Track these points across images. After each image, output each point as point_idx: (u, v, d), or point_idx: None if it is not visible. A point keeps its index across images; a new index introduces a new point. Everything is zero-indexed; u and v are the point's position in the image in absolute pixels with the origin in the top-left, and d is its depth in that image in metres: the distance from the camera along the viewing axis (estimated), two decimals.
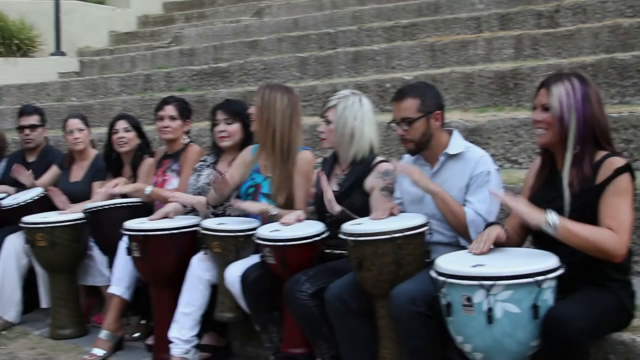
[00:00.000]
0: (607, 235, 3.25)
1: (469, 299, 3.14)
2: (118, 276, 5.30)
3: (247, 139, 5.25)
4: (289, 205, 4.72)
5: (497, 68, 7.14)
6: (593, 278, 3.40)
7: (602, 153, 3.42)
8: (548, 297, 3.16)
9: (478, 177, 3.95)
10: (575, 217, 3.34)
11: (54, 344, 5.63)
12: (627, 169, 3.37)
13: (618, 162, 3.38)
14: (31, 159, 6.75)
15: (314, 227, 4.29)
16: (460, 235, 3.96)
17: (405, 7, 10.81)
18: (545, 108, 3.48)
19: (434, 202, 3.97)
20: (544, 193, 3.56)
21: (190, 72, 10.33)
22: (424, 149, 4.09)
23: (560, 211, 3.35)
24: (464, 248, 3.72)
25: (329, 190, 4.33)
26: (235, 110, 5.29)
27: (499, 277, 3.08)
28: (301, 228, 4.30)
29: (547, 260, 3.21)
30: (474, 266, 3.19)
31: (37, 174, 6.50)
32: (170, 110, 5.63)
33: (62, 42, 13.59)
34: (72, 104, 10.52)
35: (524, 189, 3.76)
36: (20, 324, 6.08)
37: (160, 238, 4.89)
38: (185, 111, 5.69)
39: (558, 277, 3.21)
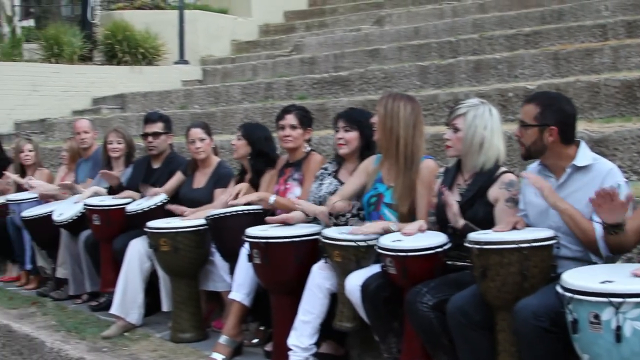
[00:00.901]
0: None
1: (596, 317, 3.05)
2: (239, 282, 5.36)
3: (365, 148, 5.23)
4: (411, 214, 4.69)
5: (624, 77, 6.94)
6: None
7: None
8: None
9: None
10: None
11: (174, 347, 5.73)
12: None
13: None
14: (156, 165, 6.89)
15: (436, 239, 4.24)
16: (590, 252, 3.85)
17: (527, 15, 10.65)
18: None
19: (562, 219, 3.87)
20: None
21: (311, 80, 10.42)
22: (534, 157, 4.06)
23: None
24: (591, 263, 3.62)
25: (455, 204, 4.28)
26: (355, 118, 5.28)
27: (629, 295, 2.98)
28: (423, 239, 4.26)
29: None
30: (603, 282, 3.10)
31: (162, 180, 6.65)
32: (291, 119, 5.66)
33: (185, 51, 13.94)
34: (194, 111, 10.76)
35: None
36: (142, 326, 6.21)
37: (282, 245, 4.92)
38: (305, 120, 5.70)
39: None
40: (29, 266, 7.93)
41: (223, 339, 5.37)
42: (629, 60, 7.89)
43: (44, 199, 7.69)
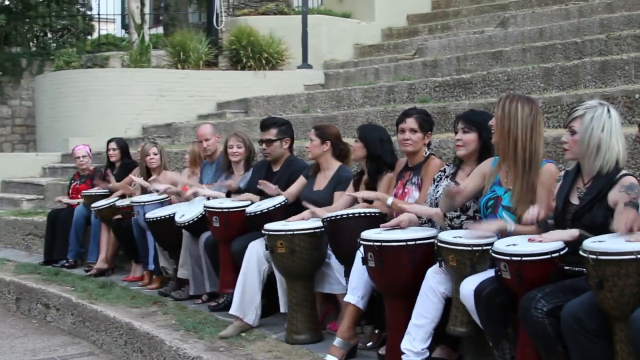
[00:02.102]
0: None
1: None
2: (353, 285, 5.35)
3: (484, 150, 5.14)
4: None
5: None
6: None
7: None
8: None
9: None
10: None
11: (290, 348, 5.76)
12: None
13: None
14: (276, 168, 6.98)
15: (553, 243, 4.12)
16: None
17: None
18: None
19: None
20: None
21: (432, 83, 10.32)
22: None
23: None
24: None
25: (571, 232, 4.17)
26: (474, 119, 5.20)
27: None
28: (538, 244, 4.14)
29: None
30: None
31: (281, 184, 6.70)
32: (411, 122, 5.61)
33: (308, 55, 14.04)
34: (317, 115, 10.81)
35: None
36: (258, 327, 6.27)
37: (396, 249, 4.89)
38: (426, 123, 5.63)
39: None
40: (152, 266, 8.15)
41: (337, 341, 5.37)
42: None
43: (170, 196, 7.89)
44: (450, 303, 4.67)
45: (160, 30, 18.47)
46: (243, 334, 6.15)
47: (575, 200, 4.33)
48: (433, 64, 11.67)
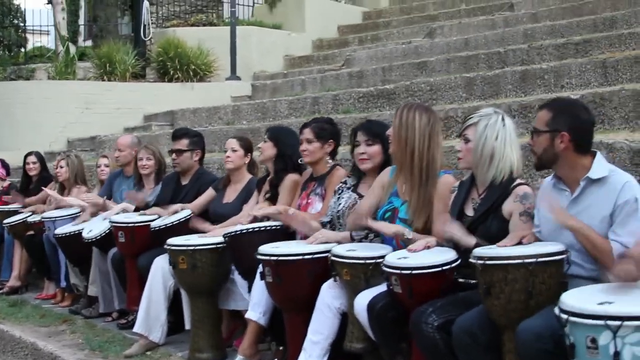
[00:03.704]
0: None
1: (593, 341, 2.79)
2: (255, 301, 5.22)
3: (387, 162, 5.02)
4: (427, 230, 4.47)
5: None
6: None
7: None
8: None
9: (624, 205, 3.58)
10: None
11: None
12: None
13: None
14: (184, 181, 6.83)
15: (444, 256, 4.02)
16: (607, 271, 3.56)
17: (579, 24, 10.28)
18: None
19: (576, 238, 3.61)
20: None
21: (357, 94, 10.21)
22: (547, 166, 3.85)
23: None
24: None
25: (455, 228, 4.05)
26: (376, 131, 5.10)
27: (628, 317, 2.72)
28: (430, 256, 4.05)
29: None
30: (601, 304, 2.84)
31: (190, 196, 6.59)
32: (307, 133, 5.52)
33: (238, 66, 13.88)
34: (241, 127, 10.64)
35: None
36: (165, 345, 6.10)
37: (293, 263, 4.76)
38: (324, 132, 5.51)
39: None
40: (63, 283, 7.93)
41: (239, 358, 5.25)
42: None
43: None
44: (347, 318, 4.54)
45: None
46: (148, 353, 6.01)
47: (470, 212, 4.23)
48: (359, 75, 11.58)
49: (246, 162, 6.34)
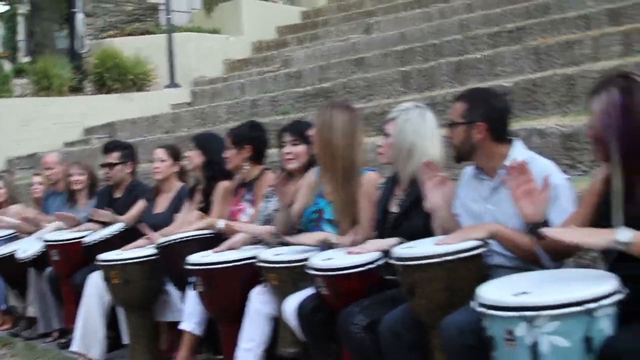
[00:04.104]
0: None
1: (510, 332, 2.73)
2: (189, 311, 5.13)
3: (312, 162, 4.95)
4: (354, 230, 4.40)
5: (601, 67, 6.60)
6: None
7: None
8: (605, 327, 2.71)
9: None
10: None
11: None
12: None
13: None
14: (118, 194, 6.71)
15: (369, 255, 3.93)
16: (531, 264, 3.51)
17: (513, 11, 10.33)
18: None
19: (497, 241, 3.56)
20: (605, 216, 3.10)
21: (295, 94, 10.18)
22: (466, 158, 3.78)
23: None
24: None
25: (372, 246, 4.00)
26: (301, 130, 5.02)
27: (542, 307, 2.66)
28: (355, 256, 3.96)
29: (603, 284, 2.76)
30: (516, 295, 2.78)
31: (123, 209, 6.45)
32: (227, 140, 5.47)
33: (177, 73, 13.76)
34: (180, 134, 10.52)
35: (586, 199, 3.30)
36: None
37: (223, 271, 4.67)
38: (239, 139, 5.44)
39: (619, 302, 2.76)
40: (3, 306, 7.72)
41: None
42: (609, 49, 7.54)
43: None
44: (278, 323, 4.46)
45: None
46: None
47: (394, 208, 4.17)
48: (297, 75, 11.54)
49: (175, 170, 6.24)
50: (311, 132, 4.62)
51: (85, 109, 13.19)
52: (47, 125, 12.91)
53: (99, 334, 5.94)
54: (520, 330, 2.70)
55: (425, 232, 3.88)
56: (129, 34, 14.99)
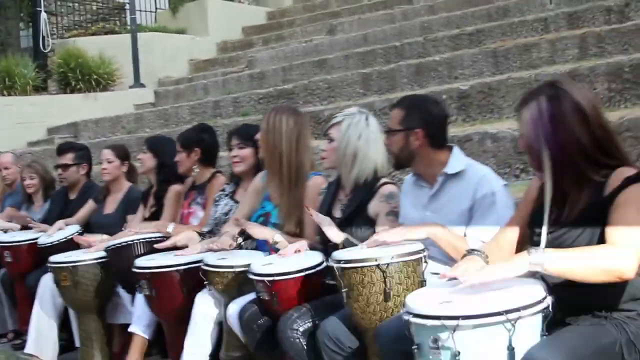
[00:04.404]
0: (607, 251, 2.77)
1: (435, 341, 2.76)
2: (137, 314, 5.17)
3: (259, 166, 4.97)
4: (300, 234, 4.43)
5: (554, 71, 6.67)
6: (595, 307, 2.93)
7: (608, 167, 2.96)
8: (528, 336, 2.74)
9: (482, 200, 3.58)
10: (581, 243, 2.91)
11: None
12: (638, 179, 2.89)
13: (628, 171, 2.91)
14: (72, 196, 6.72)
15: (309, 260, 3.97)
16: None
17: (474, 14, 10.35)
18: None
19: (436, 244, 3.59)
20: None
21: (257, 95, 10.18)
22: (406, 165, 3.83)
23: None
24: None
25: (325, 220, 4.01)
26: (248, 134, 5.05)
27: (464, 317, 2.68)
28: (295, 261, 3.99)
29: (527, 293, 2.79)
30: (442, 303, 2.81)
31: (78, 211, 6.44)
32: (177, 145, 5.47)
33: (141, 73, 13.67)
34: (143, 135, 10.48)
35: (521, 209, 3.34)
36: None
37: (168, 274, 4.69)
38: (187, 142, 5.47)
39: (546, 311, 2.80)
40: None
41: None
42: (566, 52, 7.62)
43: None
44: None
45: None
46: None
47: (337, 213, 4.20)
48: (260, 76, 11.51)
49: (123, 170, 6.24)
50: (258, 136, 4.64)
51: (48, 109, 13.05)
52: (9, 124, 12.77)
53: (52, 336, 5.96)
54: (444, 338, 2.73)
55: (368, 237, 3.88)
56: (94, 34, 14.86)
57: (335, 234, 3.97)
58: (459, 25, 10.28)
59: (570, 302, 2.93)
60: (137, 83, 13.57)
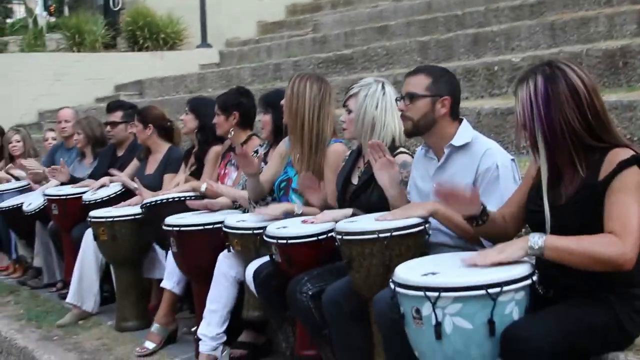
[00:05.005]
0: (606, 241, 2.78)
1: (417, 311, 2.81)
2: (169, 270, 5.30)
3: (277, 131, 5.04)
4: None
5: (606, 47, 6.56)
6: (585, 288, 2.93)
7: (601, 148, 2.95)
8: (511, 311, 2.77)
9: (486, 173, 3.56)
10: (576, 228, 2.89)
11: (118, 335, 5.72)
12: (634, 161, 2.87)
13: (622, 154, 2.89)
14: (120, 153, 6.88)
15: (321, 225, 4.01)
16: (473, 244, 3.57)
17: None
18: None
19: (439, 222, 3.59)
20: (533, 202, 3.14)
21: (317, 60, 10.22)
22: (421, 133, 3.75)
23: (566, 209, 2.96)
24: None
25: (328, 216, 4.08)
26: (269, 100, 5.12)
27: (445, 289, 2.73)
28: (310, 226, 4.04)
29: (512, 269, 2.81)
30: (425, 275, 2.84)
31: (124, 168, 6.59)
32: (216, 108, 5.54)
33: (209, 34, 13.82)
34: (205, 94, 10.61)
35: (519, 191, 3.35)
36: (98, 314, 6.19)
37: (194, 233, 4.83)
38: (226, 105, 5.51)
39: (531, 287, 2.82)
40: (14, 255, 7.97)
41: (154, 327, 5.34)
42: (624, 28, 7.46)
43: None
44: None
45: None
46: (80, 322, 6.10)
47: (355, 180, 4.25)
48: (322, 40, 11.55)
49: (149, 134, 6.26)
50: (282, 102, 4.69)
51: (116, 66, 13.36)
52: (78, 80, 13.11)
53: (93, 287, 6.16)
54: (426, 309, 2.77)
55: (382, 205, 3.93)
56: None
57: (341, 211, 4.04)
58: None
59: (562, 280, 2.94)
60: (204, 43, 13.74)
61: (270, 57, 12.17)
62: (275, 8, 15.36)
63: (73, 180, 6.74)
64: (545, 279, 2.92)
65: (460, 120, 3.77)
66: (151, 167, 6.30)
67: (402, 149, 4.15)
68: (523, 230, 3.48)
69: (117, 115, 6.77)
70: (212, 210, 5.05)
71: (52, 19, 19.48)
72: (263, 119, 5.08)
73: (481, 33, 8.70)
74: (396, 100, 3.87)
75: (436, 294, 2.73)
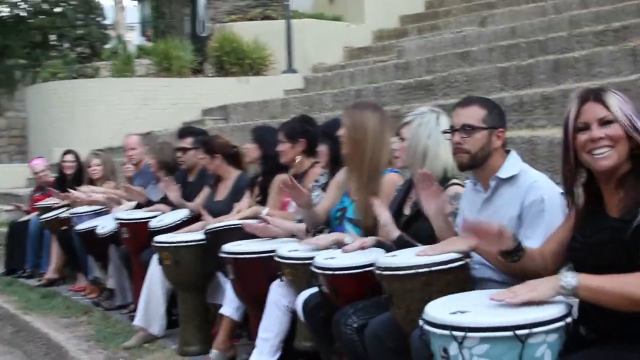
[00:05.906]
0: (638, 281, 2.65)
1: (445, 350, 2.74)
2: (228, 297, 5.32)
3: (335, 161, 5.02)
4: (375, 229, 4.44)
5: None
6: (623, 331, 2.77)
7: None
8: (542, 354, 2.67)
9: (531, 207, 3.45)
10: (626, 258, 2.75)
11: (180, 359, 5.77)
12: None
13: None
14: (191, 178, 6.97)
15: (371, 256, 3.96)
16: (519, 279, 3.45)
17: (624, 9, 9.96)
18: (606, 121, 2.86)
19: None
20: (585, 230, 2.99)
21: (397, 85, 10.18)
22: (478, 166, 3.64)
23: (601, 247, 2.83)
24: None
25: (384, 213, 4.02)
26: (326, 130, 5.16)
27: (471, 329, 2.65)
28: (357, 257, 4.01)
29: (545, 309, 2.70)
30: (453, 313, 2.77)
31: (194, 194, 6.69)
32: (280, 134, 5.57)
33: (295, 59, 13.95)
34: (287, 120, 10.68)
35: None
36: (163, 338, 6.25)
37: (250, 261, 4.85)
38: (293, 132, 5.54)
39: (566, 329, 2.71)
40: (90, 276, 8.15)
41: (213, 353, 5.37)
42: None
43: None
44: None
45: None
46: (146, 345, 6.16)
47: (407, 211, 4.20)
48: (405, 66, 11.51)
49: (217, 164, 6.33)
50: (340, 133, 4.68)
51: (203, 91, 13.62)
52: (165, 105, 13.40)
53: (159, 311, 6.23)
54: (453, 349, 2.70)
55: (432, 236, 3.86)
56: (251, 19, 15.28)
57: (391, 231, 3.98)
58: (607, 20, 9.91)
59: (601, 322, 2.82)
60: (289, 69, 13.86)
61: (353, 82, 12.18)
62: (363, 34, 15.43)
63: (149, 203, 6.86)
64: (587, 319, 2.82)
65: (508, 152, 3.69)
66: (221, 194, 6.35)
67: (455, 180, 4.08)
68: None
69: (188, 142, 6.86)
70: (269, 236, 5.06)
71: (149, 44, 19.92)
72: (320, 149, 5.07)
73: (561, 59, 8.53)
74: (446, 131, 3.79)
75: (462, 333, 2.66)
